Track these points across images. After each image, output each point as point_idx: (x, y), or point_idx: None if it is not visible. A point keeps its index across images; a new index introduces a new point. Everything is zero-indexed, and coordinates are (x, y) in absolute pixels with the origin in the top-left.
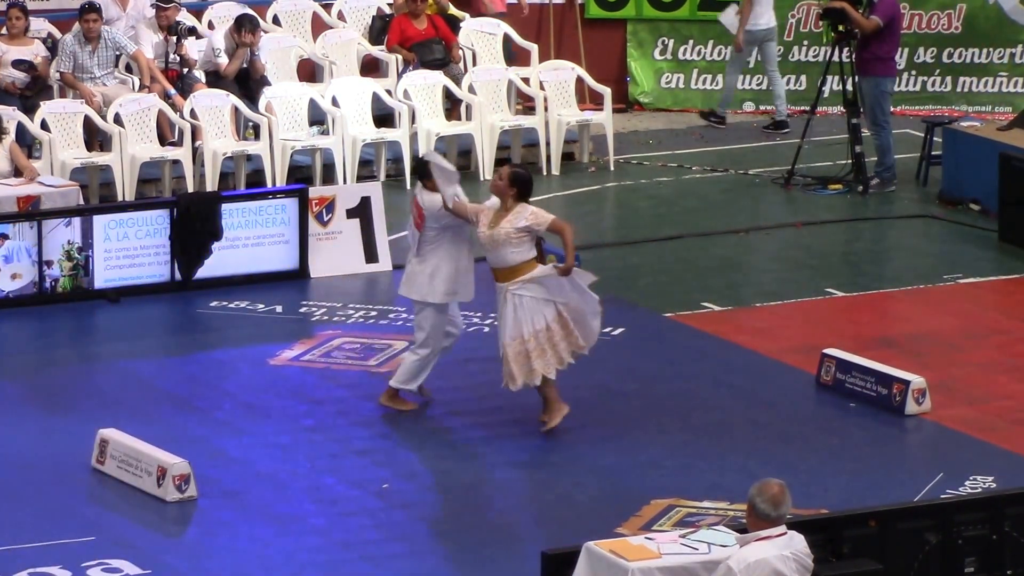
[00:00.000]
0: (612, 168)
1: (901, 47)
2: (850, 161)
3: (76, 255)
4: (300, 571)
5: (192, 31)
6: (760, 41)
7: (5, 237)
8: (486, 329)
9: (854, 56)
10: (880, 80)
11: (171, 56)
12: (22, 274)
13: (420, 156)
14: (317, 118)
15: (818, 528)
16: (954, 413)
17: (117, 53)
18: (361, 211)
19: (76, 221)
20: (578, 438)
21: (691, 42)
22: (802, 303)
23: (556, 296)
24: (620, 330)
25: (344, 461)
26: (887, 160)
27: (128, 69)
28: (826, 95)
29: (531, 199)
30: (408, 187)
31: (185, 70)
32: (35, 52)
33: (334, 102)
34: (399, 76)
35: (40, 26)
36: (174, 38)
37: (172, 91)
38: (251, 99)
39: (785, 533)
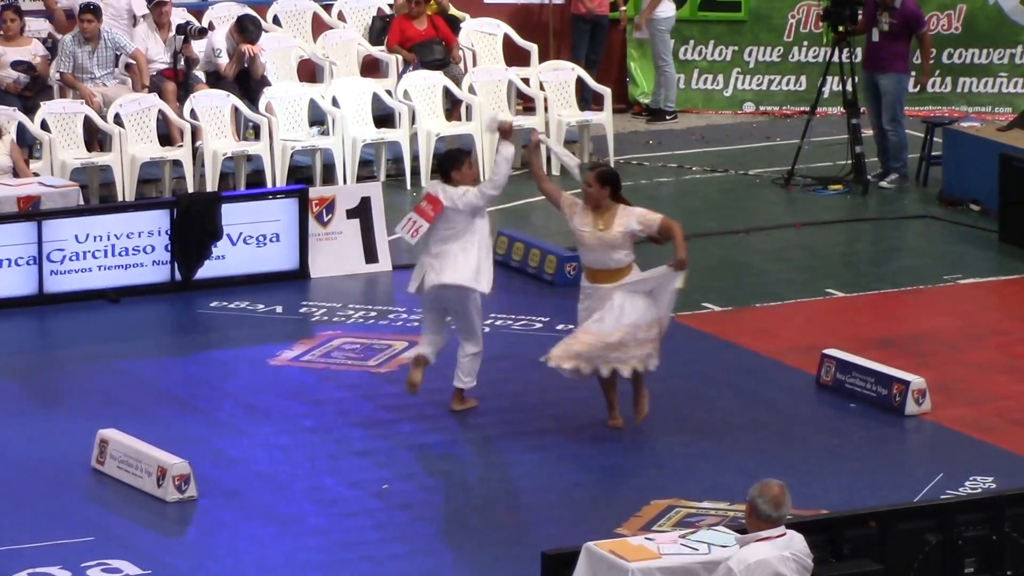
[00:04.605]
0: None
1: None
2: (850, 161)
3: (76, 255)
4: (300, 571)
5: (201, 32)
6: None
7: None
8: (486, 329)
9: (870, 54)
10: (903, 77)
11: (178, 56)
12: (22, 274)
13: (458, 150)
14: (317, 118)
15: (818, 528)
16: (954, 413)
17: (117, 53)
18: (361, 211)
19: (76, 221)
20: (578, 438)
21: (692, 42)
22: (802, 303)
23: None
24: None
25: (344, 461)
26: (904, 156)
27: (128, 69)
28: (826, 95)
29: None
30: (408, 187)
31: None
32: (33, 52)
33: (334, 102)
34: (399, 76)
35: (40, 26)
36: (180, 38)
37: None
38: (251, 99)
39: (785, 534)
